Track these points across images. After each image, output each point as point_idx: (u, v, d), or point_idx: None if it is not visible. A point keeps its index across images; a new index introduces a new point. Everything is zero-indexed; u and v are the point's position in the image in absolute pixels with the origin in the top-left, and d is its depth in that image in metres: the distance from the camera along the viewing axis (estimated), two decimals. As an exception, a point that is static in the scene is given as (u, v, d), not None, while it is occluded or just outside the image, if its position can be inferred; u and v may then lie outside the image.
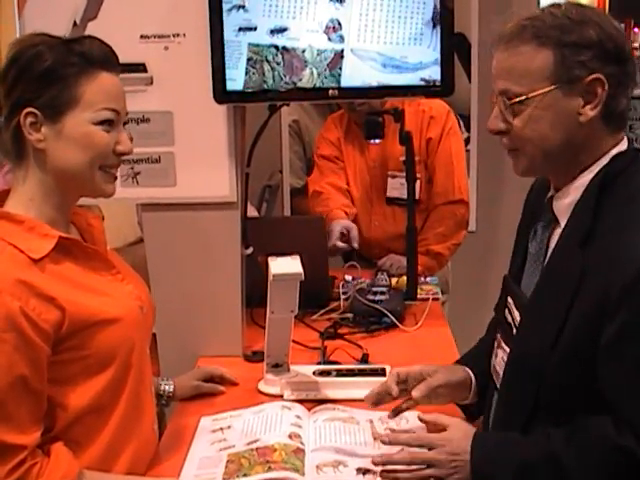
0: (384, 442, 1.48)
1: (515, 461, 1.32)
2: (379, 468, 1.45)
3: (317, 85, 1.96)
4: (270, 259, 1.78)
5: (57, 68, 1.35)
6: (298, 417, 1.70)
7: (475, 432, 1.42)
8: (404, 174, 2.54)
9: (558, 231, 1.40)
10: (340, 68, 1.95)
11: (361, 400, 1.70)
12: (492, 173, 3.70)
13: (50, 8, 1.95)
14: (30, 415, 1.30)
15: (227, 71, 1.94)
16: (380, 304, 2.35)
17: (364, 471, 1.48)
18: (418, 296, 2.54)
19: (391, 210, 2.96)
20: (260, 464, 1.49)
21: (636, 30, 4.27)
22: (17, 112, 1.35)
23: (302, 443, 1.58)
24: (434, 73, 1.94)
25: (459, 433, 1.42)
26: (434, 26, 1.93)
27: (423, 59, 1.94)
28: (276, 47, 1.94)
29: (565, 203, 1.39)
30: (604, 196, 1.33)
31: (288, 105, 2.43)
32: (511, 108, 1.35)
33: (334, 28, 1.93)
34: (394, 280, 2.61)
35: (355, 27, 1.93)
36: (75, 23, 1.94)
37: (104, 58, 1.39)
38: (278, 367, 1.92)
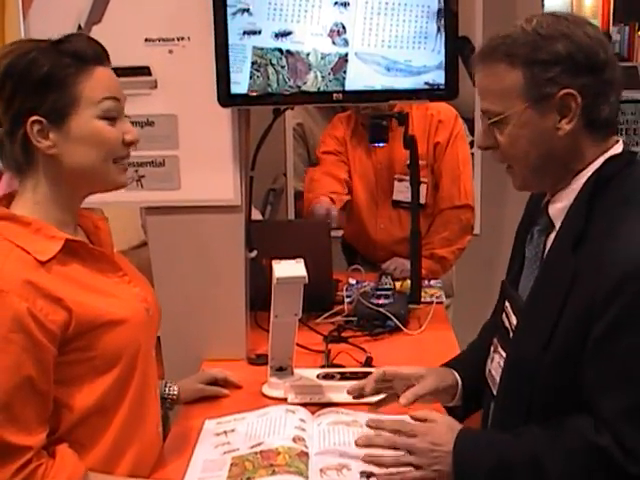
0: (368, 425, 1.49)
1: (496, 457, 1.33)
2: (383, 471, 1.45)
3: (321, 88, 1.96)
4: (274, 262, 1.78)
5: (54, 73, 1.35)
6: (302, 420, 1.70)
7: (461, 427, 1.43)
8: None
9: (553, 235, 1.41)
10: (344, 71, 1.95)
11: (365, 403, 1.70)
12: (496, 177, 3.67)
13: (54, 12, 1.95)
14: (36, 416, 1.30)
15: (231, 74, 1.94)
16: (384, 307, 2.35)
17: (368, 474, 1.47)
18: (422, 300, 2.54)
19: (397, 213, 2.96)
20: (264, 467, 1.49)
21: (640, 34, 4.26)
22: (21, 123, 1.34)
23: (306, 446, 1.58)
24: (438, 77, 1.95)
25: (443, 427, 1.43)
26: (438, 30, 1.93)
27: (427, 63, 1.95)
28: (280, 51, 1.94)
29: (559, 207, 1.39)
30: (597, 199, 1.33)
31: (292, 108, 2.44)
32: (493, 126, 1.38)
33: (338, 32, 1.94)
34: (398, 283, 2.61)
35: (359, 31, 1.94)
36: (80, 27, 1.95)
37: (96, 54, 1.39)
38: (282, 370, 1.92)
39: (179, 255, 2.08)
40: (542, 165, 1.38)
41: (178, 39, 1.97)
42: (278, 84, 1.95)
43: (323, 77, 1.95)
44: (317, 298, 2.18)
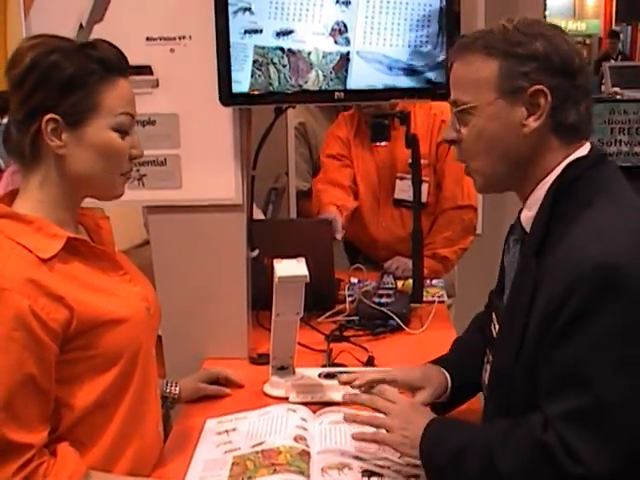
0: (344, 399, 1.57)
1: (457, 443, 1.35)
2: (385, 471, 1.45)
3: (323, 87, 1.96)
4: (275, 261, 1.78)
5: (79, 76, 1.36)
6: (303, 419, 1.70)
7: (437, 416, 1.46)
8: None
9: None
10: (346, 70, 1.95)
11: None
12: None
13: (56, 10, 1.95)
14: (38, 414, 1.30)
15: (233, 73, 1.94)
16: (386, 307, 2.35)
17: (369, 474, 1.48)
18: (424, 299, 2.54)
19: (399, 212, 2.96)
20: (265, 466, 1.49)
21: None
22: (37, 118, 1.35)
23: (307, 445, 1.58)
24: (440, 76, 1.94)
25: (419, 410, 1.50)
26: (440, 29, 1.93)
27: (429, 62, 1.94)
28: (282, 49, 1.94)
29: (529, 215, 1.40)
30: (559, 205, 1.33)
31: (294, 107, 2.43)
32: (460, 117, 1.39)
33: (340, 30, 1.93)
34: (400, 283, 2.61)
35: (361, 29, 1.94)
36: (81, 25, 1.95)
37: (120, 64, 1.41)
38: (283, 369, 1.92)
39: (181, 254, 2.08)
40: (504, 164, 1.38)
41: (179, 38, 1.97)
42: (279, 83, 1.95)
43: (325, 76, 1.95)
44: (319, 297, 2.17)
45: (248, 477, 1.47)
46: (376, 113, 2.69)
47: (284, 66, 1.94)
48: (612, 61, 10.07)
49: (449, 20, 1.93)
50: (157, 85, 1.99)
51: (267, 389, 1.92)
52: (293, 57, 1.94)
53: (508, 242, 1.50)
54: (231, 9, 1.91)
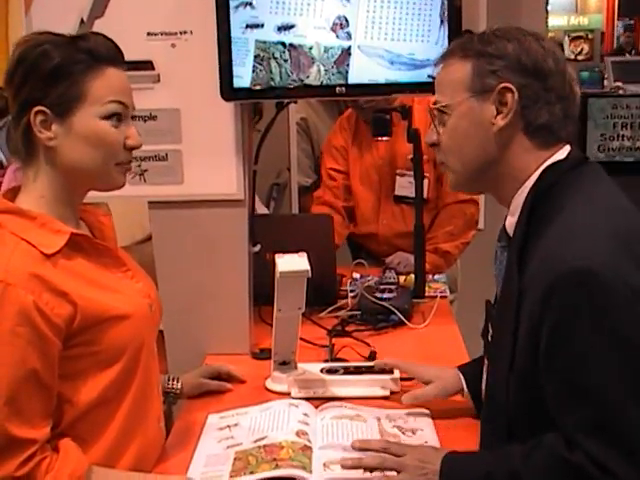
0: (354, 447, 1.51)
1: (481, 471, 1.32)
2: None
3: (324, 82, 1.95)
4: (277, 257, 1.78)
5: (64, 65, 1.35)
6: (305, 415, 1.70)
7: (448, 450, 1.43)
8: (412, 172, 2.53)
9: None
10: (347, 65, 1.94)
11: (368, 397, 1.70)
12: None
13: (57, 6, 1.95)
14: (41, 410, 1.31)
15: (234, 68, 1.94)
16: (388, 302, 2.34)
17: (371, 469, 1.47)
18: (426, 294, 2.54)
19: (399, 208, 2.95)
20: (267, 462, 1.49)
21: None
22: (26, 111, 1.35)
23: (309, 441, 1.58)
24: (442, 70, 1.94)
25: (430, 448, 1.50)
26: (442, 23, 1.93)
27: (431, 56, 1.93)
28: (283, 44, 1.93)
29: (512, 222, 1.39)
30: (538, 209, 1.32)
31: (296, 102, 2.42)
32: (439, 118, 1.42)
33: (341, 25, 1.93)
34: (402, 278, 2.60)
35: (362, 24, 1.93)
36: (82, 21, 1.95)
37: (110, 54, 1.40)
38: (285, 365, 1.91)
39: (182, 249, 2.08)
40: (475, 162, 1.39)
41: (181, 33, 1.97)
42: (281, 78, 1.95)
43: (326, 71, 1.95)
44: (321, 292, 2.17)
45: (250, 472, 1.47)
46: (376, 108, 2.68)
47: (285, 61, 1.94)
48: (627, 55, 10.05)
49: (451, 14, 1.92)
50: (158, 80, 1.99)
51: (269, 384, 1.92)
52: (294, 52, 1.94)
53: (496, 250, 1.49)
54: (232, 4, 1.91)
